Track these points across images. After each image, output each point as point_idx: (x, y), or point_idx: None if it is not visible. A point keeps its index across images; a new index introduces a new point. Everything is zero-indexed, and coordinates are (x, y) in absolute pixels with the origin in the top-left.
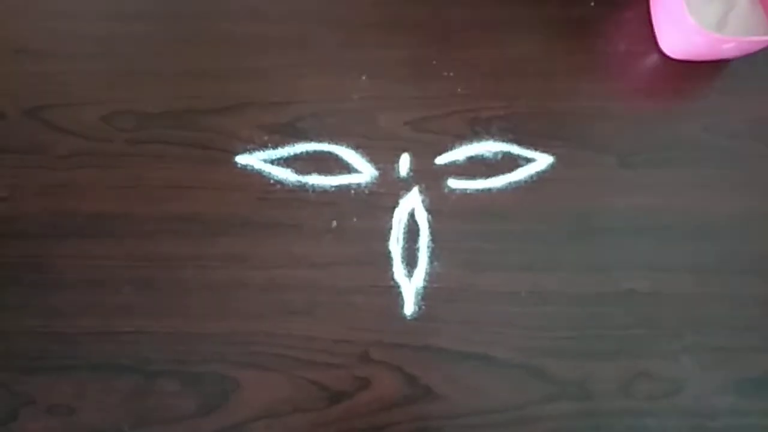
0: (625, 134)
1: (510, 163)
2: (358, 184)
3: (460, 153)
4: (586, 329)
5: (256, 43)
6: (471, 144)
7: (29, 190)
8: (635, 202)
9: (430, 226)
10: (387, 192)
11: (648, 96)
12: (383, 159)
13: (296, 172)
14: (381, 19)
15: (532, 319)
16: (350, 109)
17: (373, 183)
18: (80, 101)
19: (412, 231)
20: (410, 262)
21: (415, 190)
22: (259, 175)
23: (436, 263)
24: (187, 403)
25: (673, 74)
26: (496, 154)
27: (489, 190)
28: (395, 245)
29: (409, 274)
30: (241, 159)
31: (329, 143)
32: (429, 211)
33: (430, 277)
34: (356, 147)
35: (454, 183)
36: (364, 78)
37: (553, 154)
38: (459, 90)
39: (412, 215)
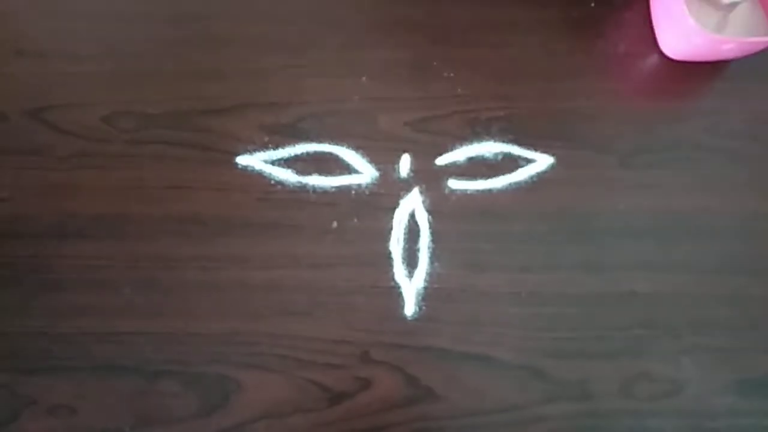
0: (626, 135)
1: (510, 163)
2: (359, 185)
3: (460, 154)
4: (586, 330)
5: (257, 44)
6: (471, 145)
7: (30, 190)
8: (635, 203)
9: (431, 227)
10: (387, 193)
11: (648, 97)
12: (384, 160)
13: (297, 173)
14: (381, 20)
15: (533, 319)
16: (351, 110)
17: (373, 184)
18: (81, 102)
19: (412, 231)
20: (411, 262)
21: (416, 190)
22: (259, 175)
23: (436, 264)
24: (187, 403)
25: (673, 75)
26: (496, 154)
27: (489, 190)
28: (396, 246)
29: (410, 274)
30: (242, 160)
31: (330, 144)
32: (429, 211)
33: (431, 277)
34: (357, 148)
35: (454, 184)
36: (364, 79)
37: (553, 155)
38: (459, 91)
39: (412, 216)
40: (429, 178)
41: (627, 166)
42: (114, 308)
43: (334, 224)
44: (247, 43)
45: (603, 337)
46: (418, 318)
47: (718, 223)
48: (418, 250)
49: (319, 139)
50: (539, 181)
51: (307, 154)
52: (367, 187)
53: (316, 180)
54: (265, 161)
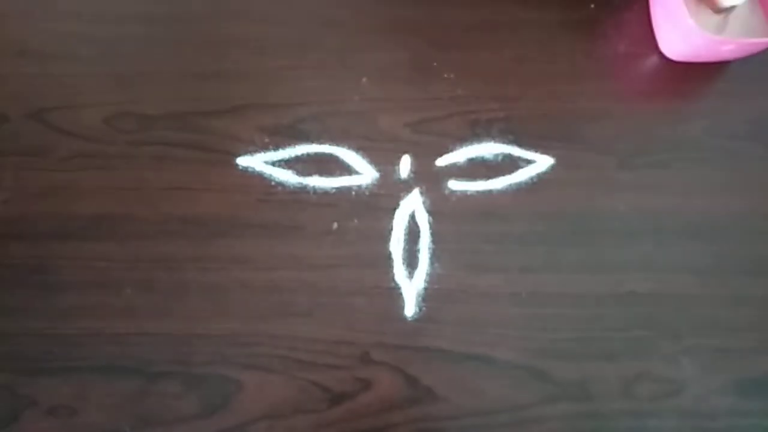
0: (625, 136)
1: (510, 164)
2: (359, 186)
3: (460, 154)
4: (586, 330)
5: (257, 45)
6: (471, 145)
7: (31, 191)
8: (635, 204)
9: (431, 228)
10: (388, 193)
11: (648, 97)
12: (384, 160)
13: (297, 174)
14: (382, 21)
15: (533, 320)
16: (351, 111)
17: (373, 184)
18: (82, 103)
19: (412, 232)
20: (411, 263)
21: (416, 191)
22: (260, 176)
23: (436, 264)
24: (188, 404)
25: (673, 76)
26: (496, 155)
27: (489, 191)
28: (396, 246)
29: (410, 275)
30: (242, 161)
31: (330, 145)
32: (430, 212)
33: (431, 278)
34: (357, 149)
35: (454, 184)
36: (364, 80)
37: (553, 156)
38: (459, 92)
39: (412, 217)
40: (429, 179)
41: (627, 167)
42: (115, 309)
43: (335, 225)
44: (247, 44)
45: (603, 338)
46: (419, 318)
47: (719, 223)
48: (418, 250)
49: (319, 140)
50: (539, 181)
51: (308, 155)
52: (367, 188)
53: (316, 181)
54: (266, 162)
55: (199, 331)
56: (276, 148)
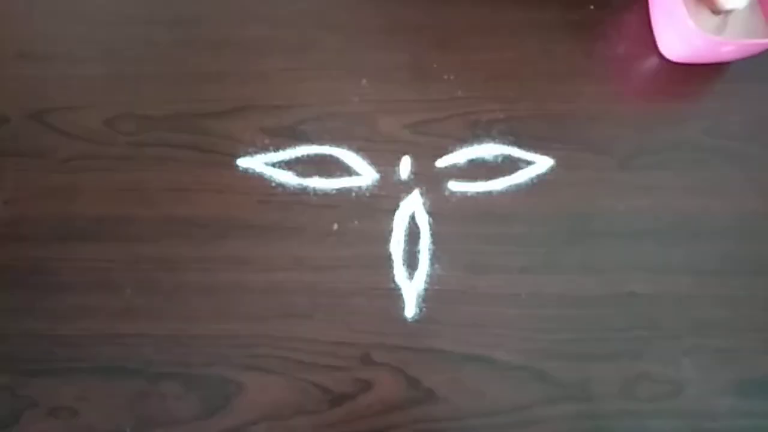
0: (625, 137)
1: (510, 165)
2: (359, 187)
3: (460, 156)
4: (586, 331)
5: (257, 46)
6: (471, 147)
7: (32, 193)
8: (635, 204)
9: (431, 229)
10: (388, 195)
11: (648, 98)
12: (384, 162)
13: (297, 175)
14: (381, 22)
15: (533, 321)
16: (351, 112)
17: (374, 186)
18: (82, 105)
19: (412, 233)
20: (411, 264)
21: (416, 192)
22: (260, 178)
23: (436, 265)
24: (189, 405)
25: (673, 77)
26: (496, 156)
27: (489, 192)
28: (396, 248)
29: (410, 276)
30: (243, 162)
31: (330, 146)
32: (430, 213)
33: (431, 279)
34: (357, 150)
35: (454, 185)
36: (364, 81)
37: (553, 157)
38: (459, 93)
39: (412, 218)
40: (429, 180)
41: (627, 168)
42: (115, 310)
43: (335, 226)
44: (247, 45)
45: (603, 338)
46: (419, 319)
47: (718, 223)
48: (418, 251)
49: (319, 142)
50: (539, 182)
51: (308, 156)
52: (367, 189)
53: (316, 182)
54: (266, 163)
55: (199, 332)
56: (276, 149)
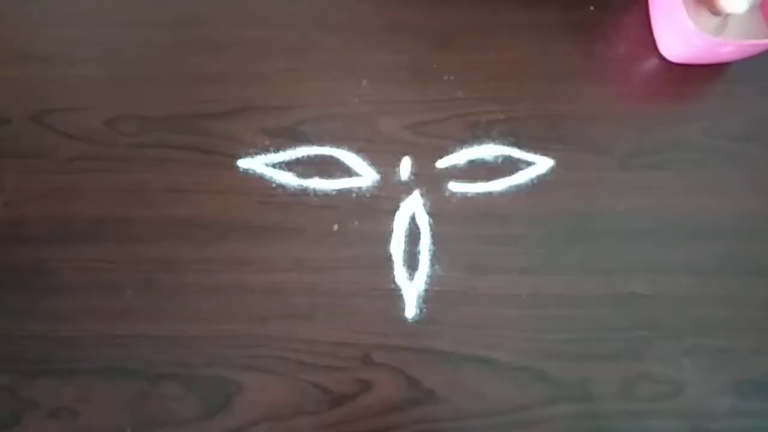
0: (625, 137)
1: (510, 166)
2: (360, 188)
3: (460, 156)
4: (586, 332)
5: (258, 47)
6: (471, 147)
7: (32, 194)
8: (635, 205)
9: (431, 230)
10: (388, 195)
11: (647, 99)
12: (384, 162)
13: (298, 176)
14: (381, 23)
15: (533, 321)
16: (351, 113)
17: (374, 186)
18: (83, 106)
19: (413, 234)
20: (411, 265)
21: (416, 193)
22: (261, 178)
23: (437, 266)
24: (189, 406)
25: (673, 77)
26: (496, 157)
27: (489, 193)
28: (396, 248)
29: (411, 277)
30: (243, 163)
31: (330, 147)
32: (430, 214)
33: (431, 280)
34: (357, 151)
35: (454, 186)
36: (364, 82)
37: (553, 157)
38: (459, 94)
39: (413, 218)
40: (429, 180)
41: (626, 168)
42: (116, 311)
43: (335, 227)
44: (247, 46)
45: (603, 339)
46: (419, 320)
47: (718, 224)
48: (418, 252)
49: (319, 142)
50: (539, 183)
51: (308, 157)
52: (367, 190)
53: (317, 183)
54: (266, 164)
55: (199, 332)
56: (277, 150)
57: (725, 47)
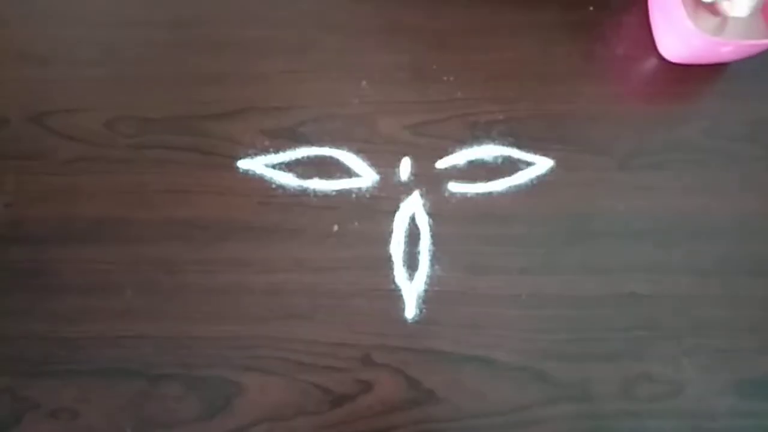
0: (625, 137)
1: (510, 166)
2: (359, 189)
3: (460, 157)
4: (586, 332)
5: (257, 48)
6: (471, 148)
7: (32, 195)
8: (635, 205)
9: (431, 230)
10: (388, 196)
11: (647, 99)
12: (384, 163)
13: (298, 177)
14: (381, 24)
15: (533, 321)
16: (351, 114)
17: (374, 187)
18: (82, 107)
19: (413, 234)
20: (411, 265)
21: (416, 193)
22: (260, 179)
23: (437, 266)
24: (190, 406)
25: (672, 77)
26: (496, 157)
27: (489, 193)
28: (396, 249)
29: (410, 277)
30: (243, 164)
31: (330, 148)
32: (430, 214)
33: (431, 280)
34: (357, 151)
35: (454, 187)
36: (364, 83)
37: (552, 158)
38: (459, 94)
39: (413, 219)
40: (429, 181)
41: (626, 168)
42: (116, 312)
43: (335, 228)
44: (247, 47)
45: (603, 339)
46: (419, 321)
47: (718, 224)
48: (418, 253)
49: (319, 143)
50: (539, 183)
51: (308, 157)
52: (367, 190)
53: (316, 184)
54: (266, 165)
55: (200, 333)
56: (276, 151)
57: (725, 47)
